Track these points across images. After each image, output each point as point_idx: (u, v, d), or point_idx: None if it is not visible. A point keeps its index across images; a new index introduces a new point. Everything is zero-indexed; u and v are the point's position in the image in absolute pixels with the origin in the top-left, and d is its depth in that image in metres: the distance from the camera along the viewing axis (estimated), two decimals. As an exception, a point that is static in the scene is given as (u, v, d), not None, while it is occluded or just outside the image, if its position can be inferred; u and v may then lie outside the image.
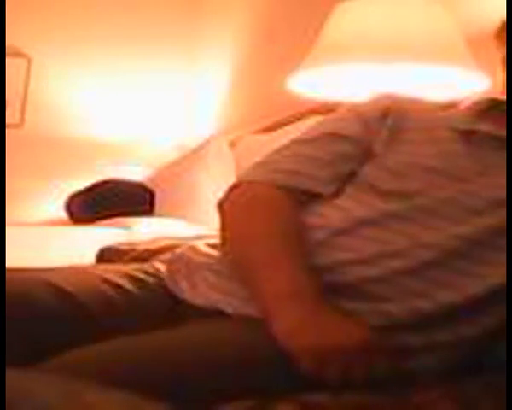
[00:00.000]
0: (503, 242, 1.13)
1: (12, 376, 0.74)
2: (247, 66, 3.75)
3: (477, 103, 1.29)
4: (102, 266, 1.50)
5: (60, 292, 1.20)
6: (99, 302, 1.22)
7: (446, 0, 2.29)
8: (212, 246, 1.30)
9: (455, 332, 1.13)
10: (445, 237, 1.14)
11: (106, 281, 1.26)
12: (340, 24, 2.26)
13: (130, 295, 1.26)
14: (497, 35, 1.34)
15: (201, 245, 1.32)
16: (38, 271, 1.29)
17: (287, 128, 2.87)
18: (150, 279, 1.30)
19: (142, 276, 1.30)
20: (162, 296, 1.28)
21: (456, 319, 1.13)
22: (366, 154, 1.25)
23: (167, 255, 1.37)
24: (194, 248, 1.32)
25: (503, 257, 1.13)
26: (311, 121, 1.82)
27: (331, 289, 1.12)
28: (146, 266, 1.35)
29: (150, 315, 1.26)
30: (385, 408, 0.95)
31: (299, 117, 2.85)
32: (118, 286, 1.26)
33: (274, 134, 2.96)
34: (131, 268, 1.33)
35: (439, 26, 2.19)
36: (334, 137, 1.27)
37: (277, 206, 1.22)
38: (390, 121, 1.25)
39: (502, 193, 1.16)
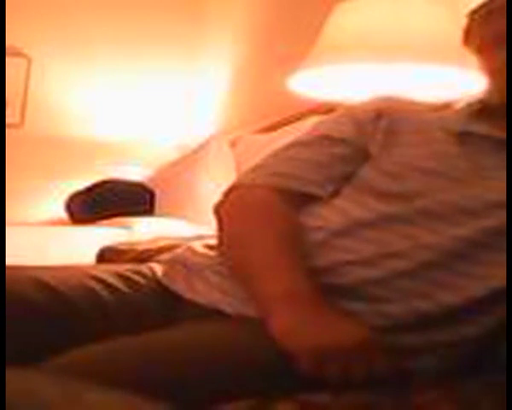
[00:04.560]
0: (502, 243, 1.13)
1: (12, 376, 0.74)
2: (247, 66, 3.74)
3: (469, 104, 1.30)
4: (94, 266, 1.50)
5: (45, 287, 1.20)
6: (86, 298, 1.22)
7: (446, 0, 2.29)
8: (210, 247, 1.30)
9: (455, 332, 1.13)
10: (444, 238, 1.14)
11: (94, 278, 1.26)
12: (340, 24, 2.26)
13: (119, 294, 1.26)
14: (464, 42, 1.34)
15: (199, 246, 1.32)
16: (25, 268, 1.29)
17: (287, 128, 2.87)
18: (142, 280, 1.30)
19: (133, 276, 1.30)
20: (155, 297, 1.28)
21: (455, 320, 1.13)
22: (362, 155, 1.26)
23: (165, 256, 1.37)
24: (192, 249, 1.32)
25: (502, 258, 1.13)
26: (311, 121, 1.82)
27: (331, 290, 1.12)
28: (141, 266, 1.35)
29: (141, 314, 1.25)
30: (385, 408, 0.95)
31: (299, 117, 2.85)
32: (107, 284, 1.26)
33: (274, 134, 2.96)
34: (123, 268, 1.33)
35: (439, 26, 2.19)
36: (329, 139, 1.28)
37: (275, 209, 1.23)
38: (384, 123, 1.26)
39: (499, 194, 1.16)
